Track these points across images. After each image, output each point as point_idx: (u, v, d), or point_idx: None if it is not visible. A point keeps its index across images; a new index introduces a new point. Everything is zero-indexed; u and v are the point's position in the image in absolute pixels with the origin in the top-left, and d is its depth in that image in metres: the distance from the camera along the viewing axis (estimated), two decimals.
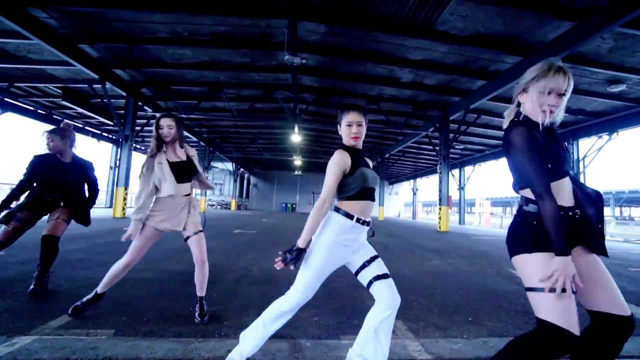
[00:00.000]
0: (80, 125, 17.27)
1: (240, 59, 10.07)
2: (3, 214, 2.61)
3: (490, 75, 10.06)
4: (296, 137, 18.12)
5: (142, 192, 2.27)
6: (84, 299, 2.29)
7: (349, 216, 1.60)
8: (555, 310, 1.17)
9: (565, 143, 1.29)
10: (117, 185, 11.68)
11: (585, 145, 14.17)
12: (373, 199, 1.70)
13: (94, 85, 11.01)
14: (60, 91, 11.91)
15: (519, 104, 1.41)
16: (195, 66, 10.42)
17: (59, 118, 14.87)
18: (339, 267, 1.65)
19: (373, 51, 9.26)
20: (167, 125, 2.36)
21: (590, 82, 9.93)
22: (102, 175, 20.73)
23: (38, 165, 2.76)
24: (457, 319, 2.68)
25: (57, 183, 2.81)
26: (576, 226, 1.27)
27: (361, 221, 1.62)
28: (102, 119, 13.64)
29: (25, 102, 13.74)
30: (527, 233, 1.29)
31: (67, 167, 2.86)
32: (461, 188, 23.63)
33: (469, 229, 17.22)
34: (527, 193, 1.33)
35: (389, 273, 1.68)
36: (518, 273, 1.31)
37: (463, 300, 3.20)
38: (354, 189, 1.63)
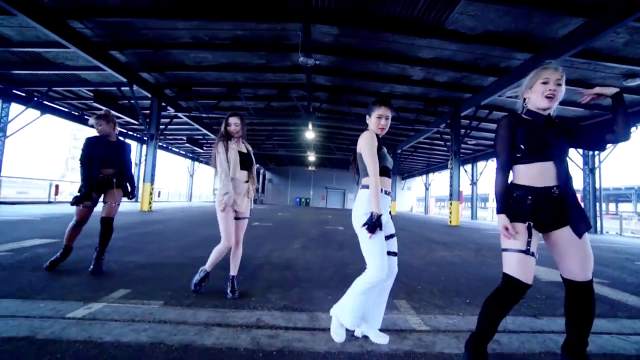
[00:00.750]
0: None
1: (257, 60, 10.45)
2: (75, 196, 3.11)
3: (501, 71, 10.08)
4: (310, 134, 18.44)
5: (222, 174, 2.64)
6: (198, 278, 2.71)
7: None
8: (516, 266, 1.55)
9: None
10: (143, 181, 12.34)
11: None
12: (390, 176, 2.04)
13: (122, 88, 11.67)
14: (91, 94, 12.68)
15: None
16: (215, 68, 10.88)
17: (89, 119, 15.77)
18: None
19: (384, 51, 9.45)
20: (234, 123, 2.77)
21: (604, 76, 9.77)
22: None
23: (92, 145, 3.19)
24: (456, 300, 2.95)
25: (112, 160, 3.27)
26: (555, 204, 1.57)
27: (387, 192, 1.98)
28: (128, 119, 14.35)
29: (61, 105, 14.63)
30: (504, 201, 1.65)
31: (115, 145, 3.33)
32: (473, 183, 23.46)
33: (480, 224, 17.20)
34: (513, 171, 1.68)
35: (397, 252, 2.04)
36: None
37: (464, 286, 3.46)
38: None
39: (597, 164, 14.24)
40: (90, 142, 3.21)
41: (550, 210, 1.57)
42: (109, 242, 3.28)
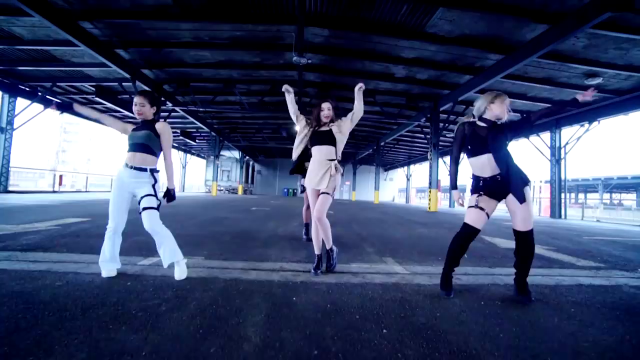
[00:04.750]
0: None
1: (252, 58, 10.84)
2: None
3: (476, 70, 10.74)
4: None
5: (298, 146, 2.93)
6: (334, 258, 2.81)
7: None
8: (471, 217, 2.27)
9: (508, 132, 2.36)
10: None
11: (568, 134, 14.90)
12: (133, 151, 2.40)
13: (123, 83, 11.86)
14: (93, 89, 12.77)
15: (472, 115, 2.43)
16: (212, 65, 11.22)
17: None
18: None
19: (370, 51, 9.99)
20: (327, 108, 2.75)
21: (569, 75, 10.45)
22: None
23: None
24: (429, 258, 3.64)
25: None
26: (501, 183, 2.22)
27: (129, 166, 2.33)
28: (126, 112, 14.46)
29: (62, 99, 14.63)
30: (472, 185, 2.35)
31: None
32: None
33: (456, 211, 18.21)
34: (469, 162, 2.37)
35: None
36: None
37: (437, 250, 4.13)
38: None
39: (562, 156, 15.17)
40: None
41: (497, 189, 2.25)
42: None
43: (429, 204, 14.56)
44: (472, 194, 2.33)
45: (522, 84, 11.30)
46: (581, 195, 40.77)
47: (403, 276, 2.78)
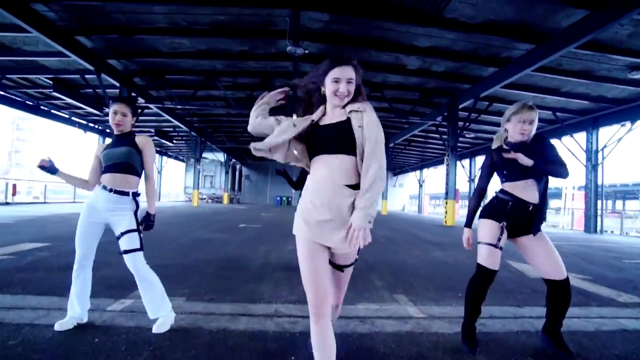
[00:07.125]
0: (67, 116, 18.20)
1: (238, 47, 10.89)
2: None
3: (502, 62, 10.75)
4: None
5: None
6: None
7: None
8: (486, 257, 2.23)
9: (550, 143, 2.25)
10: None
11: (607, 135, 14.84)
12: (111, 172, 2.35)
13: (86, 76, 11.88)
14: (50, 82, 12.78)
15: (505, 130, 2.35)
16: (192, 55, 11.27)
17: (45, 109, 15.80)
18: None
19: (378, 38, 10.04)
20: (347, 79, 1.52)
21: (609, 68, 10.48)
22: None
23: None
24: (448, 294, 3.68)
25: None
26: (529, 214, 2.21)
27: (108, 189, 2.32)
28: (90, 109, 14.49)
29: (14, 94, 14.67)
30: (487, 206, 2.36)
31: None
32: (471, 180, 24.61)
33: (477, 224, 18.32)
34: (502, 186, 2.35)
35: (127, 249, 2.36)
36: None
37: (456, 283, 4.17)
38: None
39: (600, 160, 15.24)
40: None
41: (520, 221, 2.23)
42: None
43: (445, 217, 14.63)
44: (487, 217, 2.30)
45: (555, 78, 11.41)
46: (619, 204, 40.86)
47: (418, 321, 2.80)
